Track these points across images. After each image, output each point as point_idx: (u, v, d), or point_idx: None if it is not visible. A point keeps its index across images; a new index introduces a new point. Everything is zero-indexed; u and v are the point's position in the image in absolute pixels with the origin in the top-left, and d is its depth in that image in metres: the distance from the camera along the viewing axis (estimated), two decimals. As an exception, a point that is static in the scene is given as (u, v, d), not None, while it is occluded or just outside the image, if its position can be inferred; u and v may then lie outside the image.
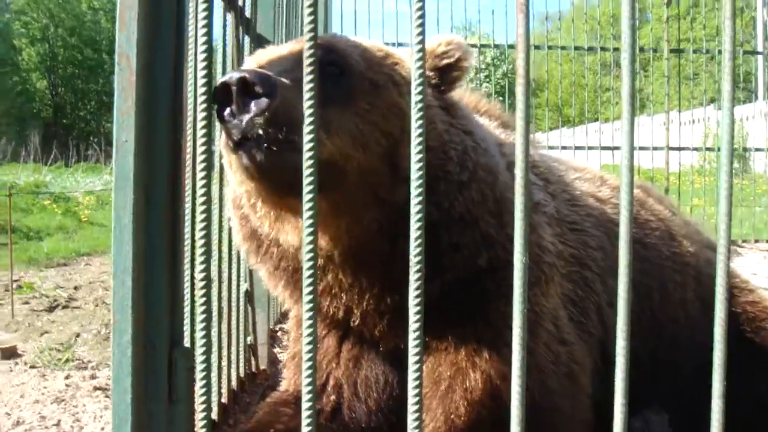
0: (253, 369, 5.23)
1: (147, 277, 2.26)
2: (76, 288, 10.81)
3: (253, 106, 2.62)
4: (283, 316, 6.70)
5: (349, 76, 3.06)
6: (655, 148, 16.12)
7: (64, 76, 76.77)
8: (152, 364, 2.29)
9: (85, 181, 27.46)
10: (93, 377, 6.14)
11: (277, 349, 6.08)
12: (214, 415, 4.15)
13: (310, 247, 2.11)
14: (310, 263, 2.11)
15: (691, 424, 4.03)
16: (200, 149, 2.18)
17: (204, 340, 2.19)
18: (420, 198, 2.10)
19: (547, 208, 3.72)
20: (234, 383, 4.45)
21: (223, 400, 4.33)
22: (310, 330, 2.06)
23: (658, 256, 4.37)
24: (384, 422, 3.65)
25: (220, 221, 3.95)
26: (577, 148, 15.68)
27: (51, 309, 9.28)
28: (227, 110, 2.67)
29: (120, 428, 2.23)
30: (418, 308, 2.05)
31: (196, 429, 2.41)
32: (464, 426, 3.22)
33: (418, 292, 2.03)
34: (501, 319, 3.29)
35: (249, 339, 5.09)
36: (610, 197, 4.37)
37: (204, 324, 2.22)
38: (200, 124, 2.22)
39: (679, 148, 16.69)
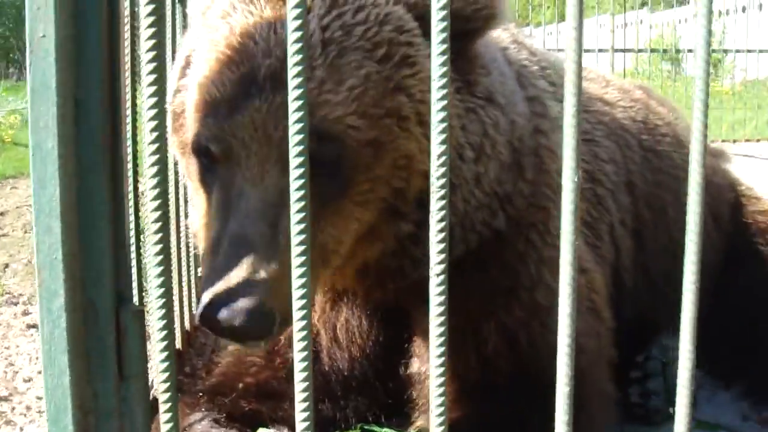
0: (206, 304, 4.71)
1: (82, 216, 1.71)
2: (2, 214, 10.21)
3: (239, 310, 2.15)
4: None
5: (346, 158, 2.42)
6: (600, 50, 15.81)
7: (-21, -6, 73.65)
8: (95, 333, 1.75)
9: (7, 101, 26.31)
10: (25, 313, 5.67)
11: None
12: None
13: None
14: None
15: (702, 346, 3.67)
16: (147, 42, 1.60)
17: (161, 289, 1.65)
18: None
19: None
20: (187, 323, 3.93)
21: (176, 344, 3.82)
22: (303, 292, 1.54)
23: (671, 165, 3.95)
24: (369, 369, 3.19)
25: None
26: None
27: (-26, 238, 8.67)
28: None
29: (57, 420, 1.70)
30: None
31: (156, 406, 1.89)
32: (478, 380, 2.78)
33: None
34: (518, 261, 2.91)
35: (200, 270, 4.56)
36: (617, 100, 3.92)
37: (161, 269, 1.66)
38: (146, 10, 1.64)
39: (624, 50, 16.46)
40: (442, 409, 1.66)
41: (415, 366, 3.06)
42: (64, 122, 1.62)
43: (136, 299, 1.92)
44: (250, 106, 2.31)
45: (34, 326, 5.25)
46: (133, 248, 2.32)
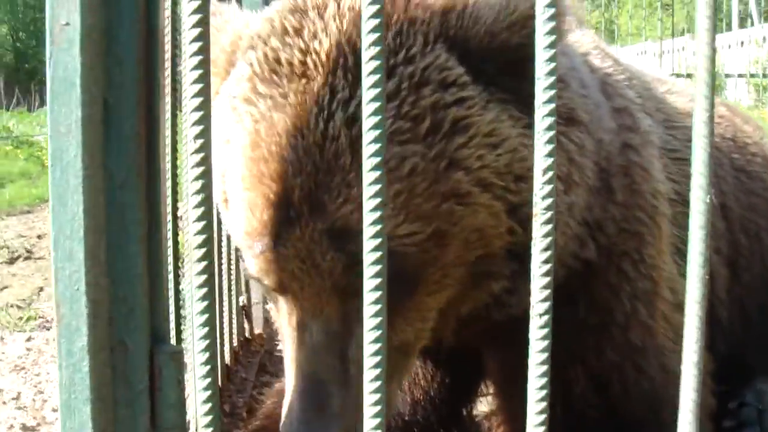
0: (247, 334, 4.44)
1: (110, 242, 1.44)
2: (39, 237, 10.05)
3: None
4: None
5: (407, 266, 2.13)
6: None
7: (24, 20, 74.51)
8: (125, 378, 1.47)
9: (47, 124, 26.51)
10: (58, 340, 5.41)
11: (270, 305, 5.30)
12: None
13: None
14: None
15: None
16: (190, 37, 1.34)
17: (206, 338, 1.37)
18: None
19: (654, 137, 2.88)
20: (227, 357, 3.67)
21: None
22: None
23: (763, 187, 3.64)
24: (432, 414, 2.91)
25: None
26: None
27: (12, 261, 8.50)
28: None
29: (76, 485, 1.42)
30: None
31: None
32: (562, 428, 2.46)
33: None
34: (610, 295, 2.60)
35: (242, 299, 4.30)
36: None
37: (206, 308, 1.39)
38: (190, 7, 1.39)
39: (672, 75, 16.38)
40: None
41: (482, 407, 2.77)
42: (91, 127, 1.35)
43: (173, 339, 1.64)
44: (292, 236, 2.07)
45: (67, 353, 5.08)
46: (170, 277, 2.05)
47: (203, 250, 1.35)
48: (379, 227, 1.34)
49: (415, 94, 2.05)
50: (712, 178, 1.32)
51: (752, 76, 18.34)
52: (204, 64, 1.38)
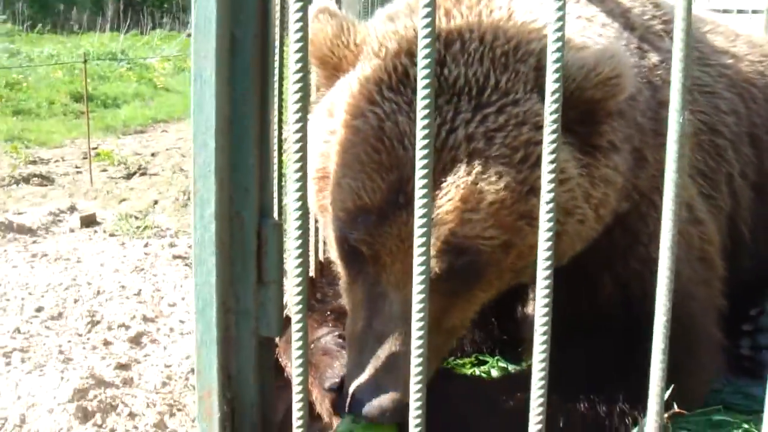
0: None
1: (233, 137, 1.95)
2: (153, 155, 10.68)
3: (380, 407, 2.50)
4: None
5: (479, 263, 2.57)
6: (754, 11, 15.08)
7: (138, -55, 75.54)
8: (240, 241, 2.00)
9: (161, 49, 27.07)
10: (172, 245, 6.03)
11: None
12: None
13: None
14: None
15: None
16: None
17: (299, 208, 1.87)
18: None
19: None
20: (321, 253, 4.16)
21: (310, 272, 4.04)
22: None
23: None
24: (486, 307, 3.32)
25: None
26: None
27: (129, 176, 9.22)
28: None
29: (204, 312, 1.95)
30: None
31: (288, 312, 2.13)
32: (590, 322, 2.90)
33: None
34: (639, 221, 3.00)
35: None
36: (746, 54, 3.89)
37: (299, 186, 1.88)
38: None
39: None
40: (544, 346, 1.83)
41: (531, 308, 3.22)
42: (221, 52, 1.85)
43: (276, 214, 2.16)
44: (399, 219, 2.46)
45: (180, 257, 5.63)
46: (275, 174, 2.55)
47: (299, 144, 1.84)
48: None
49: (517, 131, 2.49)
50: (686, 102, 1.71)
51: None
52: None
